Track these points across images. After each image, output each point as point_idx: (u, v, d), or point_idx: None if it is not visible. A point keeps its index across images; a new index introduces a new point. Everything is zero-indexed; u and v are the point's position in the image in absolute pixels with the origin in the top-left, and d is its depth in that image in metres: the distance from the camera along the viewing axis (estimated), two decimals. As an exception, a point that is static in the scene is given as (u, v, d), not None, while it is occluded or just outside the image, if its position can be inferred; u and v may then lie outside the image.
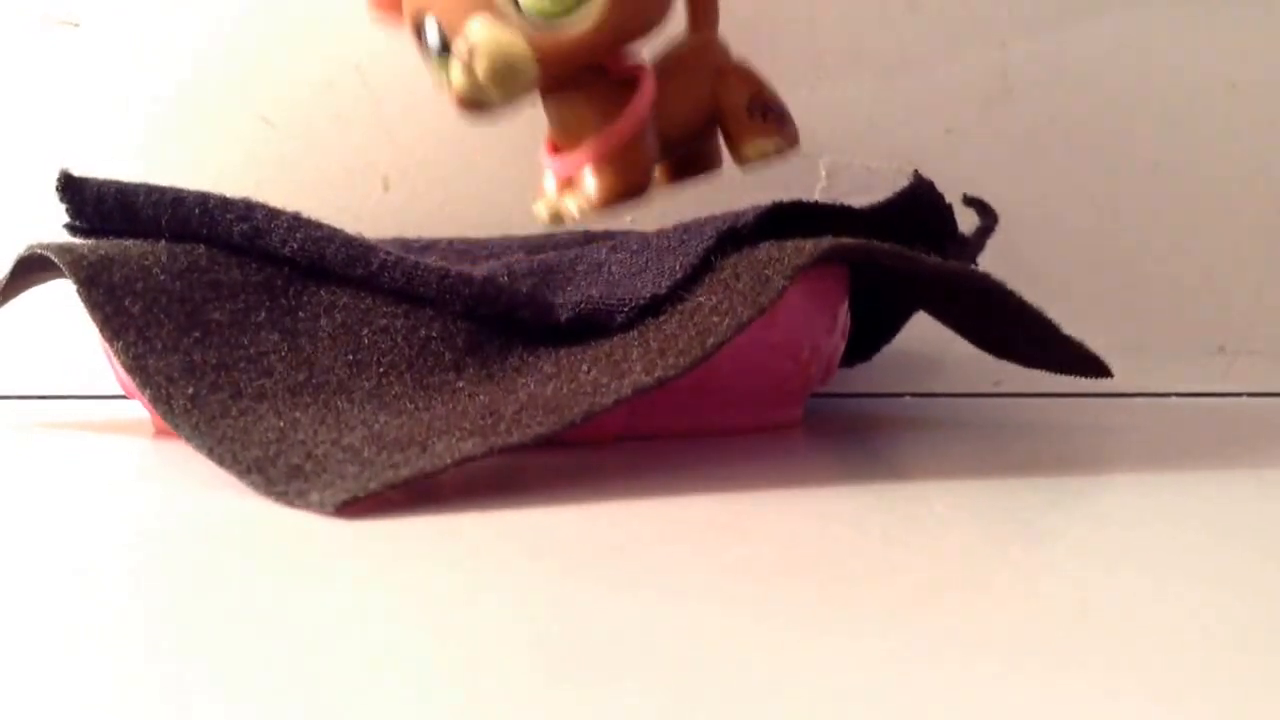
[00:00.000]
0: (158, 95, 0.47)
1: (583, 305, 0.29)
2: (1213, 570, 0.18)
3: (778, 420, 0.36)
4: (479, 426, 0.24)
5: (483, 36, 0.32)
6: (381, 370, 0.28)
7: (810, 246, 0.28)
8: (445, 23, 0.33)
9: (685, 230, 0.30)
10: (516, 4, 0.32)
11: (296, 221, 0.30)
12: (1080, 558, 0.19)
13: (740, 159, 0.37)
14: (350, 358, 0.29)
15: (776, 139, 0.37)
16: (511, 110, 0.34)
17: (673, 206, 0.39)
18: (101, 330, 0.27)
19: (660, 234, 0.31)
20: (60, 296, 0.43)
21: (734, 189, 0.40)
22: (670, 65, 0.37)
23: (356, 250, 0.30)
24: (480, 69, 0.32)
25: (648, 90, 0.34)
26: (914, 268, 0.30)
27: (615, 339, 0.28)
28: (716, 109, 0.37)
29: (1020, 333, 0.35)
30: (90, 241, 0.30)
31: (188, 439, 0.25)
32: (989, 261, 0.34)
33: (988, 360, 0.39)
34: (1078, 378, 0.36)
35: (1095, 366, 0.35)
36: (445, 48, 0.33)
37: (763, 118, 0.37)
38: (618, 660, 0.13)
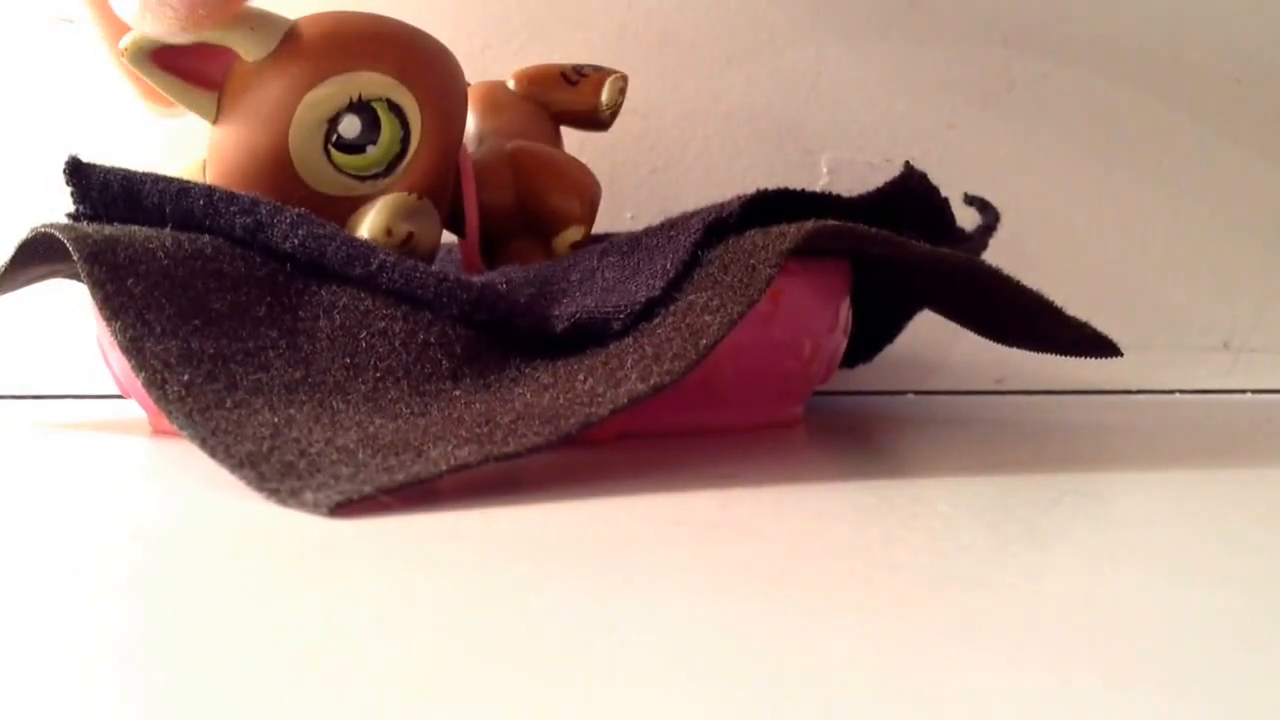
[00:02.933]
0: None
1: (579, 315, 0.29)
2: (1217, 568, 0.18)
3: (779, 418, 0.36)
4: (475, 434, 0.24)
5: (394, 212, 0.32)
6: (378, 375, 0.28)
7: (794, 230, 0.28)
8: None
9: (672, 226, 0.30)
10: (335, 166, 0.33)
11: (300, 218, 0.30)
12: (1083, 556, 0.19)
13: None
14: (348, 360, 0.28)
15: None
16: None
17: (666, 205, 0.39)
18: (101, 309, 0.27)
19: (648, 232, 0.31)
20: (56, 296, 0.43)
21: (731, 187, 0.40)
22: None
23: (357, 249, 0.30)
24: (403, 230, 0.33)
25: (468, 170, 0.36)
26: (904, 253, 0.30)
27: (611, 347, 0.28)
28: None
29: (1024, 318, 0.35)
30: (95, 225, 0.30)
31: (180, 428, 0.24)
32: (992, 259, 0.34)
33: (990, 357, 0.39)
34: (1085, 362, 0.36)
35: (1103, 346, 0.35)
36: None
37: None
38: (617, 658, 0.13)
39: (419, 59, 0.33)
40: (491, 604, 0.15)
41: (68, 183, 0.31)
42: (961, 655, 0.13)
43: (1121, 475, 0.27)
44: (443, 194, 0.35)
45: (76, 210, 0.32)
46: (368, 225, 0.32)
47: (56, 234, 0.29)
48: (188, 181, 0.31)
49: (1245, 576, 0.17)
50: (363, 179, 0.33)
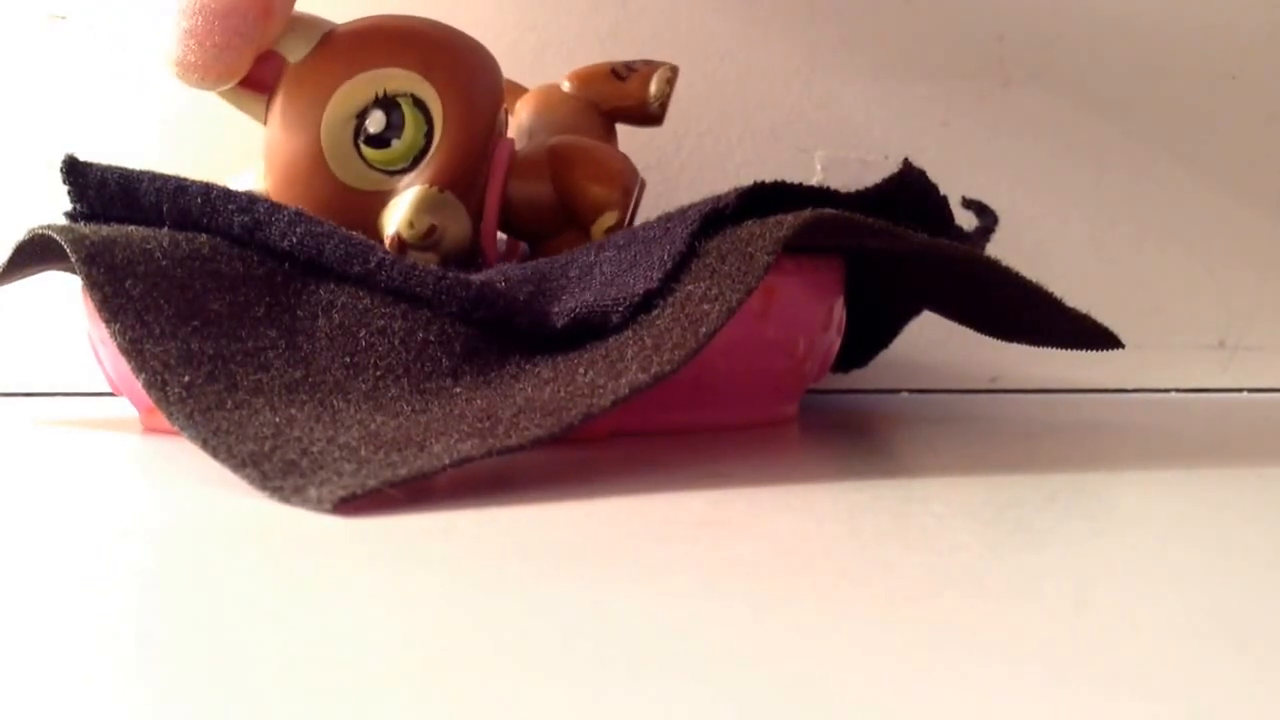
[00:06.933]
0: (143, 84, 0.47)
1: (578, 311, 0.29)
2: (1212, 568, 0.18)
3: (773, 416, 0.36)
4: (477, 429, 0.24)
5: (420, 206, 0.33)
6: (378, 373, 0.28)
7: (791, 219, 0.28)
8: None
9: (669, 219, 0.30)
10: (365, 161, 0.34)
11: (298, 217, 0.30)
12: (1078, 555, 0.19)
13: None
14: (347, 359, 0.28)
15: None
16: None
17: (659, 202, 0.39)
18: (100, 310, 0.27)
19: (645, 226, 0.31)
20: (48, 293, 0.43)
21: (725, 185, 0.40)
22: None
23: (355, 247, 0.30)
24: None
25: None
26: (903, 244, 0.30)
27: (611, 340, 0.28)
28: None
29: (1022, 311, 0.35)
30: (93, 225, 0.30)
31: (181, 429, 0.24)
32: (986, 257, 0.34)
33: (985, 356, 0.39)
34: (1079, 361, 0.36)
35: (1103, 338, 0.34)
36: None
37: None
38: (610, 657, 0.13)
39: (443, 55, 0.34)
40: (485, 603, 0.15)
41: (65, 181, 0.32)
42: (955, 654, 0.13)
43: (1116, 474, 0.27)
44: (470, 188, 0.35)
45: (73, 209, 0.32)
46: (392, 219, 0.33)
47: (54, 235, 0.29)
48: (185, 179, 0.31)
49: (1240, 575, 0.17)
50: (390, 173, 0.34)
